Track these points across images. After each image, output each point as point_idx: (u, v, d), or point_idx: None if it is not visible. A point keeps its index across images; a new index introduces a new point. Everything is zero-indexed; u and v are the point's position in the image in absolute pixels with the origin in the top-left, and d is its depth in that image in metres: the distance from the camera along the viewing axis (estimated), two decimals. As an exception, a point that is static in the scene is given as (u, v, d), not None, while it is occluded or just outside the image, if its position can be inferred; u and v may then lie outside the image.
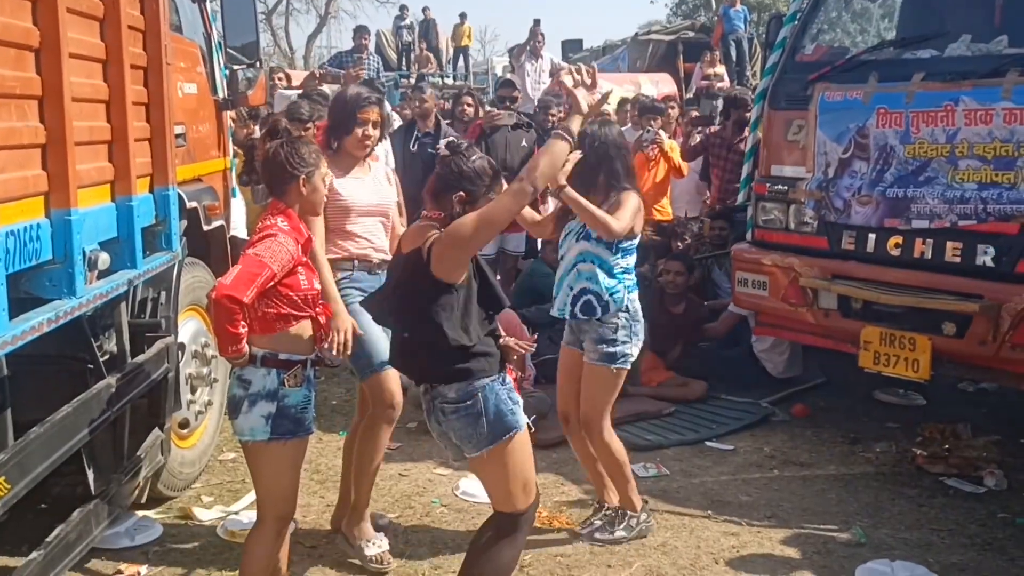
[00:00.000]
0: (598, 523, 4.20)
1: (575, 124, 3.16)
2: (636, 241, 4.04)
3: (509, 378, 3.17)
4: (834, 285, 5.11)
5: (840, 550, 4.10)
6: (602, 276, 3.92)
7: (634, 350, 4.04)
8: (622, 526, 4.15)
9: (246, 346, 3.04)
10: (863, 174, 5.01)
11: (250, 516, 3.93)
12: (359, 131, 3.88)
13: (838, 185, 5.12)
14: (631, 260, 4.04)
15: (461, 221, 3.02)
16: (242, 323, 2.98)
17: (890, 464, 5.05)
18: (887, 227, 4.89)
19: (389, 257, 3.95)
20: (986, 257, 4.56)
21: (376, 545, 3.86)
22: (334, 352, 3.45)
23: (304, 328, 3.17)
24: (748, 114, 7.02)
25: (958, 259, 4.65)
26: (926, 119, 4.76)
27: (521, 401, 3.19)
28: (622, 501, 4.19)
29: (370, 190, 3.97)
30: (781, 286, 5.36)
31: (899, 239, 4.86)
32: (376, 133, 3.94)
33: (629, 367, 4.06)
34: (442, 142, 3.29)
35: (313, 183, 3.21)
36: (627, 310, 3.97)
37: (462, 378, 3.06)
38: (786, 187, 5.41)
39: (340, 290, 3.81)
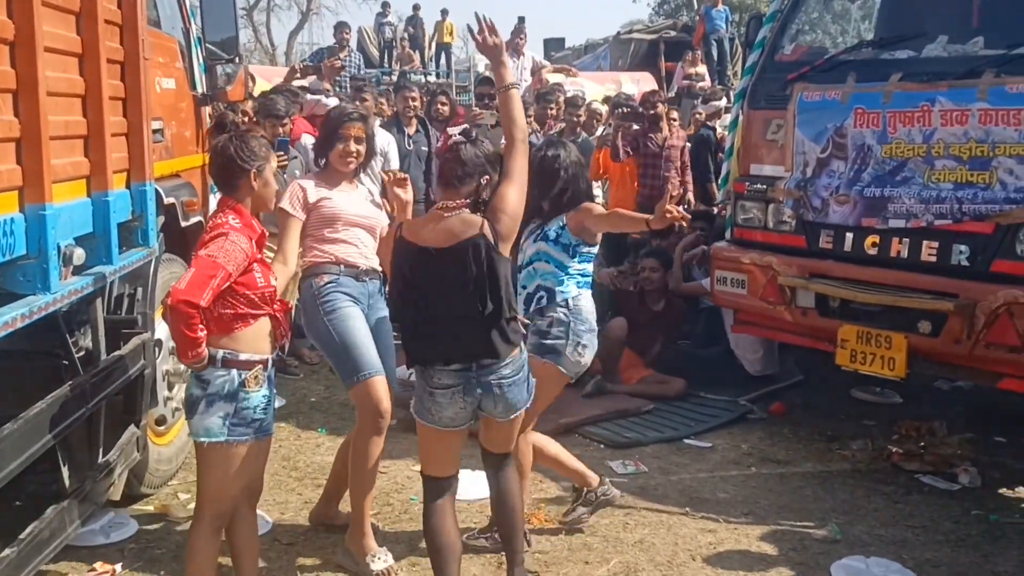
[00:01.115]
0: (572, 515, 4.26)
1: (508, 73, 3.45)
2: (595, 249, 4.02)
3: None
4: (812, 284, 5.14)
5: (816, 546, 4.13)
6: (556, 274, 3.87)
7: (569, 351, 3.81)
8: (579, 503, 4.25)
9: (206, 350, 3.01)
10: (841, 173, 5.05)
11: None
12: (341, 146, 3.90)
13: (816, 184, 5.15)
14: (588, 266, 3.98)
15: (507, 195, 3.30)
16: (200, 327, 2.95)
17: (866, 461, 5.09)
18: (864, 226, 4.93)
19: (377, 267, 3.97)
20: (961, 256, 4.60)
21: (382, 560, 3.80)
22: None
23: (263, 326, 3.14)
24: (657, 111, 7.44)
25: (934, 258, 4.69)
26: (903, 119, 4.80)
27: None
28: (575, 481, 4.28)
29: (357, 203, 3.97)
30: (759, 284, 5.38)
31: (876, 238, 4.90)
32: (360, 148, 3.95)
33: (561, 370, 3.83)
34: (455, 130, 3.35)
35: (264, 177, 3.17)
36: (566, 305, 3.84)
37: (516, 347, 3.33)
38: (765, 186, 5.44)
39: (326, 295, 3.80)
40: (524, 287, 3.95)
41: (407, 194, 3.75)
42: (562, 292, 3.87)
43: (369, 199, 4.13)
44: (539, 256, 3.93)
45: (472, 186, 3.32)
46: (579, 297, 3.90)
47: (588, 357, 3.90)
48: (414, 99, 7.35)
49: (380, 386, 3.80)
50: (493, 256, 3.21)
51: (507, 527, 3.58)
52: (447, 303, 3.24)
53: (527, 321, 3.74)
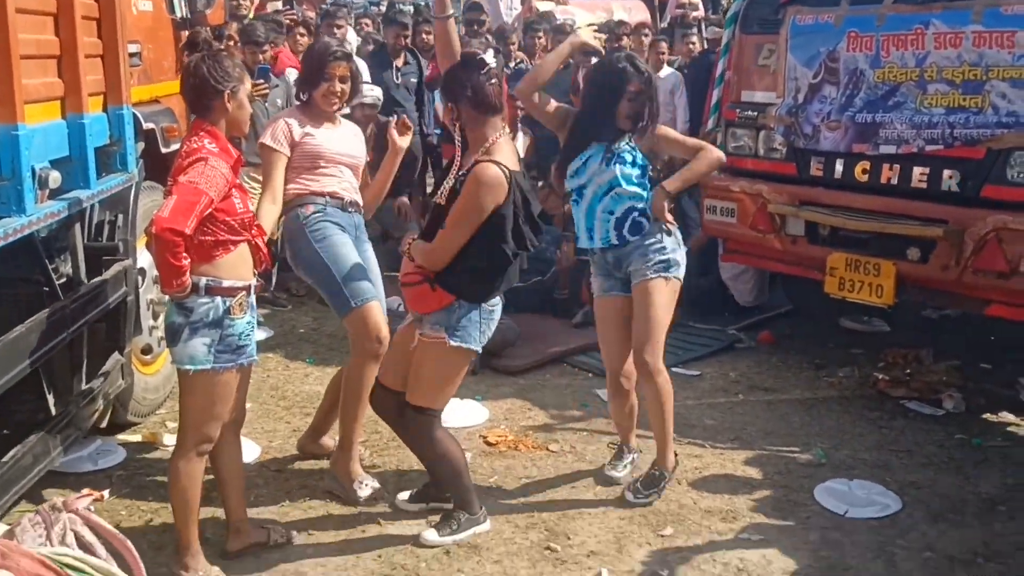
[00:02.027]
0: (640, 487, 3.89)
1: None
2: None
3: None
4: (801, 211, 5.10)
5: (800, 470, 4.16)
6: (643, 195, 3.77)
7: (683, 258, 3.86)
8: (656, 489, 3.88)
9: (189, 278, 2.97)
10: (833, 99, 4.98)
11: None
12: (325, 86, 3.82)
13: (808, 110, 5.08)
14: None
15: None
16: (184, 255, 2.91)
17: (853, 388, 5.12)
18: (855, 153, 4.87)
19: (359, 201, 3.92)
20: (951, 182, 4.56)
21: (368, 486, 3.83)
22: None
23: (243, 252, 3.10)
24: (621, 44, 7.19)
25: (924, 184, 4.65)
26: (896, 42, 4.71)
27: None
28: (661, 460, 3.91)
29: (340, 140, 3.90)
30: (749, 213, 5.34)
31: (867, 164, 4.84)
32: (345, 88, 3.87)
33: (682, 280, 3.86)
34: (489, 55, 3.30)
35: (239, 98, 3.09)
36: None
37: None
38: (756, 113, 5.37)
39: (315, 224, 3.76)
40: (610, 213, 3.77)
41: (405, 142, 3.82)
42: (641, 213, 3.78)
43: (352, 136, 4.04)
44: (620, 180, 3.74)
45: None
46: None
47: None
48: (407, 36, 7.19)
49: (378, 311, 3.79)
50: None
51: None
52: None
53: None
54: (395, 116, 3.86)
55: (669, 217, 3.77)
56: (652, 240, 3.79)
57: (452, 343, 3.38)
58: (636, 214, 3.78)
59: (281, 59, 6.28)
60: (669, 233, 3.81)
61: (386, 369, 3.63)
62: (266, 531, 3.48)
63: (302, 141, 3.79)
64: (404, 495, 3.81)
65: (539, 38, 7.68)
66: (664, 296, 3.78)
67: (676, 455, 4.02)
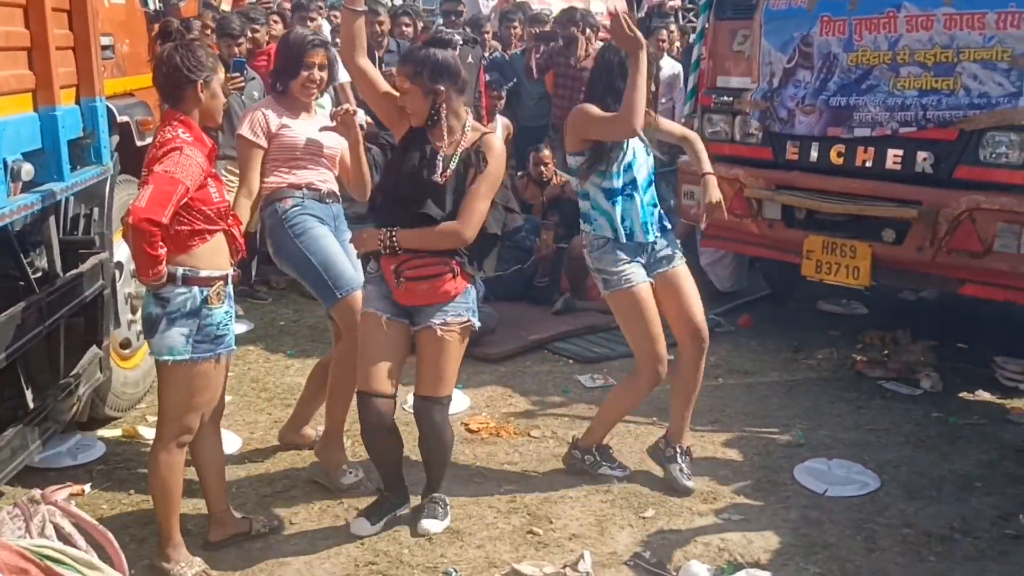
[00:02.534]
0: (682, 466, 3.90)
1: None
2: None
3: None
4: (778, 195, 5.14)
5: (780, 451, 4.20)
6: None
7: None
8: (686, 462, 3.93)
9: (165, 268, 2.96)
10: (807, 83, 5.01)
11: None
12: (305, 74, 3.79)
13: (783, 95, 5.11)
14: None
15: None
16: (161, 245, 2.89)
17: (831, 370, 5.17)
18: (830, 136, 4.91)
19: (337, 191, 3.92)
20: (925, 164, 4.61)
21: (353, 474, 3.85)
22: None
23: (219, 242, 3.09)
24: (574, 30, 7.14)
25: (898, 166, 4.70)
26: (869, 26, 4.75)
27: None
28: (686, 438, 3.99)
29: (314, 128, 3.86)
30: (727, 197, 5.31)
31: (841, 148, 4.88)
32: (323, 75, 3.86)
33: None
34: (458, 35, 3.27)
35: (212, 88, 3.06)
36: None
37: None
38: (731, 98, 5.40)
39: (294, 218, 3.75)
40: (653, 205, 3.80)
41: (352, 134, 3.71)
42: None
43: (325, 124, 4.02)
44: (654, 176, 3.83)
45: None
46: None
47: None
48: (382, 23, 7.16)
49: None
50: None
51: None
52: None
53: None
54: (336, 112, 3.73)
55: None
56: (670, 232, 3.88)
57: (476, 323, 3.45)
58: (659, 208, 3.86)
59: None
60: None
61: (381, 377, 3.36)
62: (248, 521, 3.47)
63: (279, 133, 3.78)
64: (362, 524, 3.50)
65: (514, 28, 7.68)
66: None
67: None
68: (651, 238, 3.77)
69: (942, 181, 4.54)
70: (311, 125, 3.87)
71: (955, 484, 3.89)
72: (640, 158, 3.77)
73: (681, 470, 3.88)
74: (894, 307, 6.18)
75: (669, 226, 3.86)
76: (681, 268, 3.86)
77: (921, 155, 4.60)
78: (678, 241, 3.92)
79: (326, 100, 4.37)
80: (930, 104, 4.53)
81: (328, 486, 3.83)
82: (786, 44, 5.10)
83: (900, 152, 4.68)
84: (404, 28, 7.56)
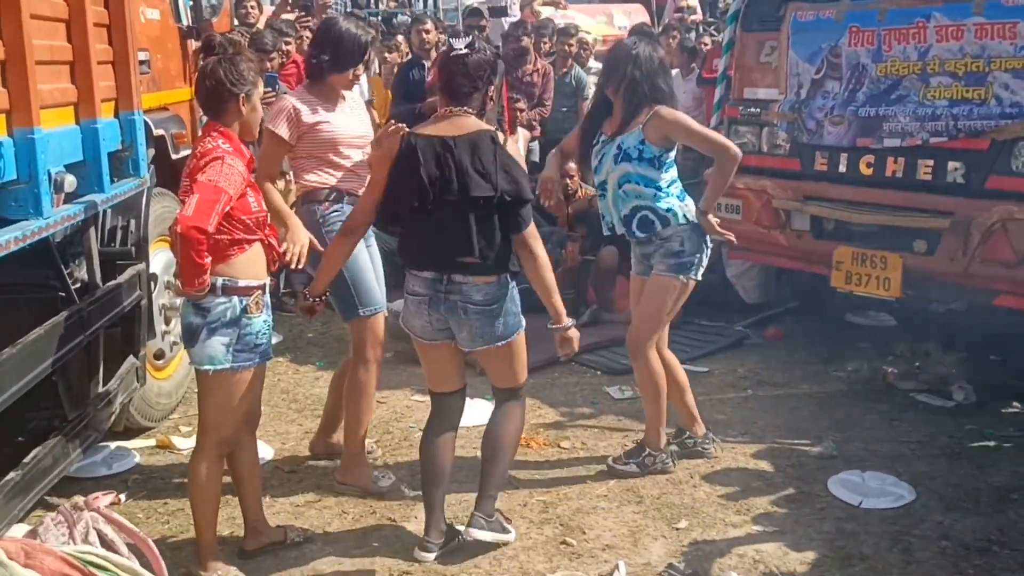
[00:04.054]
0: (622, 455, 4.11)
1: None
2: (674, 153, 3.95)
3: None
4: (806, 206, 5.13)
5: (813, 463, 4.18)
6: (651, 193, 3.84)
7: (705, 259, 3.95)
8: (636, 460, 4.05)
9: (209, 277, 2.98)
10: (835, 94, 5.01)
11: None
12: (355, 72, 3.80)
13: (811, 106, 5.11)
14: (674, 172, 3.95)
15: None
16: (207, 254, 2.92)
17: (862, 382, 5.14)
18: (859, 147, 4.90)
19: None
20: (956, 174, 4.58)
21: (387, 478, 3.94)
22: (293, 264, 3.44)
23: (257, 251, 3.13)
24: (521, 44, 7.24)
25: (929, 177, 4.67)
26: (898, 37, 4.74)
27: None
28: (648, 436, 4.10)
29: (352, 123, 3.85)
30: (754, 209, 5.37)
31: (871, 158, 4.87)
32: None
33: (699, 279, 3.96)
34: (459, 42, 3.26)
35: (252, 102, 3.11)
36: (687, 220, 3.87)
37: (494, 274, 3.29)
38: (759, 109, 5.41)
39: (332, 223, 3.72)
40: (619, 210, 3.91)
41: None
42: (668, 209, 3.84)
43: (362, 111, 4.00)
44: (627, 178, 3.86)
45: (480, 98, 3.28)
46: (688, 206, 3.90)
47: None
48: (428, 32, 7.14)
49: (383, 322, 3.85)
50: (505, 151, 3.21)
51: (486, 460, 3.51)
52: (459, 193, 3.18)
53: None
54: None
55: (722, 231, 3.91)
56: (670, 243, 3.88)
57: None
58: (643, 212, 3.87)
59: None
60: (691, 235, 3.87)
61: (451, 377, 3.50)
62: (283, 530, 3.49)
63: (318, 128, 3.72)
64: (430, 555, 3.40)
65: (544, 43, 7.70)
66: (666, 293, 3.93)
67: (670, 441, 4.18)
68: (610, 232, 4.02)
69: (974, 191, 4.52)
70: (349, 118, 3.83)
71: (991, 496, 3.85)
72: (607, 164, 3.90)
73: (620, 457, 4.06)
74: (924, 319, 6.13)
75: (655, 237, 3.88)
76: (656, 278, 3.93)
77: (952, 165, 4.58)
78: (684, 260, 3.89)
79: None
80: (961, 114, 4.52)
81: (365, 492, 3.85)
82: (814, 55, 5.10)
83: (931, 162, 4.66)
84: (424, 34, 7.31)
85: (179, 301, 4.44)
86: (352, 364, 3.91)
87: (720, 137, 4.08)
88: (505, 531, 3.48)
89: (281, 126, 3.70)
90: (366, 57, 3.83)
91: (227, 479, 3.37)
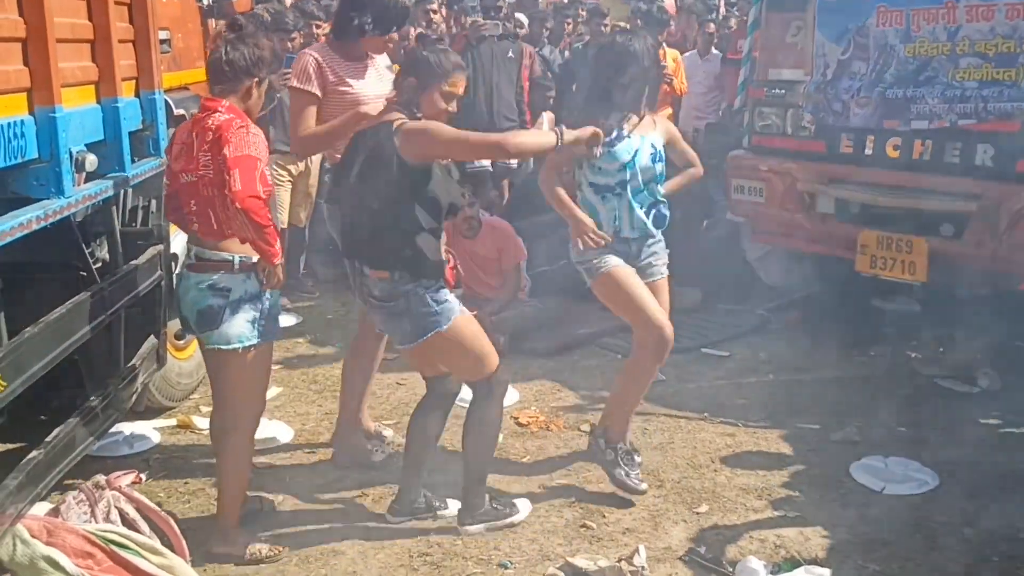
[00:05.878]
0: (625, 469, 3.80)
1: (570, 137, 3.23)
2: None
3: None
4: (831, 189, 5.07)
5: (834, 448, 4.14)
6: (661, 189, 3.77)
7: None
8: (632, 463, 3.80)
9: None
10: (862, 75, 4.93)
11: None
12: (392, 37, 3.76)
13: (837, 87, 5.03)
14: None
15: (440, 128, 3.12)
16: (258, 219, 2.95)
17: (885, 367, 5.08)
18: (886, 128, 4.83)
19: None
20: (985, 157, 4.51)
21: (380, 451, 4.00)
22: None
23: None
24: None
25: (957, 159, 4.61)
26: (927, 17, 4.66)
27: (449, 299, 3.23)
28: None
29: (376, 81, 3.82)
30: (778, 192, 5.31)
31: (898, 140, 4.80)
32: None
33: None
34: (413, 32, 3.23)
35: (262, 89, 3.15)
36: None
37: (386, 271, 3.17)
38: (784, 91, 5.33)
39: None
40: (641, 206, 3.68)
41: None
42: (665, 206, 3.77)
43: (387, 72, 3.94)
44: (660, 178, 3.73)
45: (403, 85, 3.22)
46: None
47: None
48: (435, 11, 7.08)
49: None
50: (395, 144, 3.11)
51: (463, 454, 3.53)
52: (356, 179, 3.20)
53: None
54: None
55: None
56: (663, 240, 3.82)
57: None
58: (659, 206, 3.75)
59: None
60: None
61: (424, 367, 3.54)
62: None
63: (343, 90, 3.69)
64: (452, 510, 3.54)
65: (567, 23, 7.61)
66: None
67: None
68: (635, 233, 3.69)
69: (1003, 174, 4.45)
70: (371, 82, 3.78)
71: (1016, 483, 3.80)
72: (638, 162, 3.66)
73: (626, 473, 3.72)
74: (949, 304, 6.05)
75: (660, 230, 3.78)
76: (661, 282, 3.80)
77: (981, 148, 4.51)
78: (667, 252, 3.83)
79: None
80: (991, 96, 4.43)
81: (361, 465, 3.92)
82: (841, 35, 5.02)
83: (959, 145, 4.59)
84: (432, 15, 7.10)
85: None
86: (359, 340, 3.98)
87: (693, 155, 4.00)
88: (500, 516, 3.48)
89: (304, 80, 3.67)
90: (405, 28, 3.79)
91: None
